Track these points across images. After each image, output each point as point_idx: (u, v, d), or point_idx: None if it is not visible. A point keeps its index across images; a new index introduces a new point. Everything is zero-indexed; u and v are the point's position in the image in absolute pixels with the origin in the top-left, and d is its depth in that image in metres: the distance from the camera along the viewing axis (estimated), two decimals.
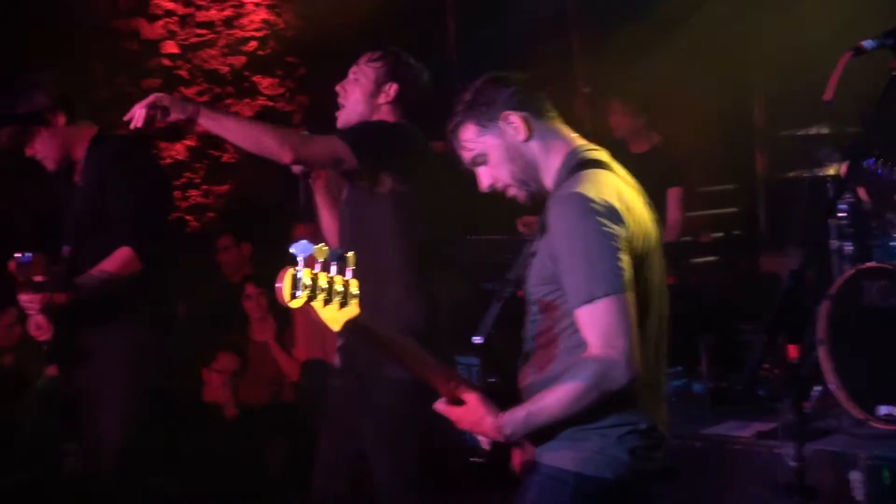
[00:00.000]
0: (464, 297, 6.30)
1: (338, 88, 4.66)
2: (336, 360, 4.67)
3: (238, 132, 4.33)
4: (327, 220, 4.72)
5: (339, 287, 2.78)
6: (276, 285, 2.69)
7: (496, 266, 6.14)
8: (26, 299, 4.88)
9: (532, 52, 8.70)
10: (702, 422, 5.82)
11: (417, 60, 4.72)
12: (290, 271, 2.69)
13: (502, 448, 3.24)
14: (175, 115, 4.22)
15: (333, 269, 2.78)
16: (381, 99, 4.58)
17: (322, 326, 2.87)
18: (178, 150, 9.24)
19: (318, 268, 2.74)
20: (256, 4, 9.59)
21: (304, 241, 2.71)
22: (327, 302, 2.77)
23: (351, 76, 4.65)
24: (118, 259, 4.91)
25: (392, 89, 4.58)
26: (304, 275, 2.69)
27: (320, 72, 9.46)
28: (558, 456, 3.16)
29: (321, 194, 4.71)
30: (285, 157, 4.25)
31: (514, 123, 3.27)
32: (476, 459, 3.29)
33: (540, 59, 8.57)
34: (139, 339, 5.03)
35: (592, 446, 3.13)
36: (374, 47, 4.69)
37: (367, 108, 4.58)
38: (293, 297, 2.69)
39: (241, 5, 9.53)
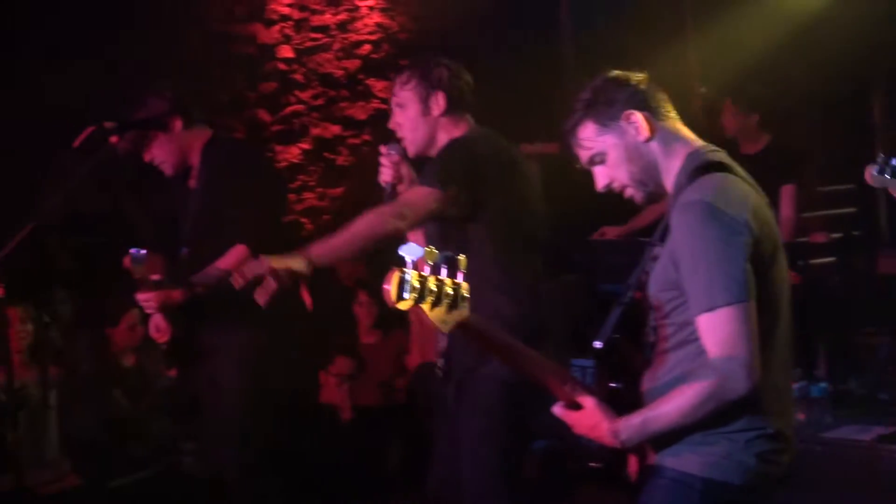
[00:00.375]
0: (579, 299, 6.29)
1: (391, 126, 4.61)
2: (439, 364, 4.64)
3: (352, 248, 4.33)
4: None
5: (448, 289, 2.77)
6: (384, 287, 2.68)
7: (613, 268, 6.12)
8: (144, 298, 4.95)
9: (647, 51, 8.64)
10: (821, 425, 5.74)
11: (438, 55, 4.64)
12: (398, 274, 2.68)
13: (619, 454, 3.21)
14: (292, 275, 4.15)
15: (444, 271, 2.77)
16: (435, 111, 4.52)
17: (431, 328, 2.87)
18: (293, 154, 9.32)
19: (427, 270, 2.73)
20: (370, 8, 9.65)
21: (412, 244, 2.71)
22: (436, 304, 2.75)
23: (395, 109, 4.59)
24: (233, 257, 4.95)
25: (440, 98, 4.51)
26: (412, 277, 2.69)
27: None
28: (684, 460, 3.12)
29: None
30: (399, 234, 4.25)
31: (636, 123, 3.23)
32: (594, 464, 3.26)
33: (655, 57, 8.51)
34: (256, 341, 5.06)
35: (720, 451, 3.09)
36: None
37: (428, 128, 4.53)
38: (400, 299, 2.69)
39: (356, 9, 9.60)
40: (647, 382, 3.22)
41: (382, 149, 4.55)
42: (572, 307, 5.68)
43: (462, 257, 2.79)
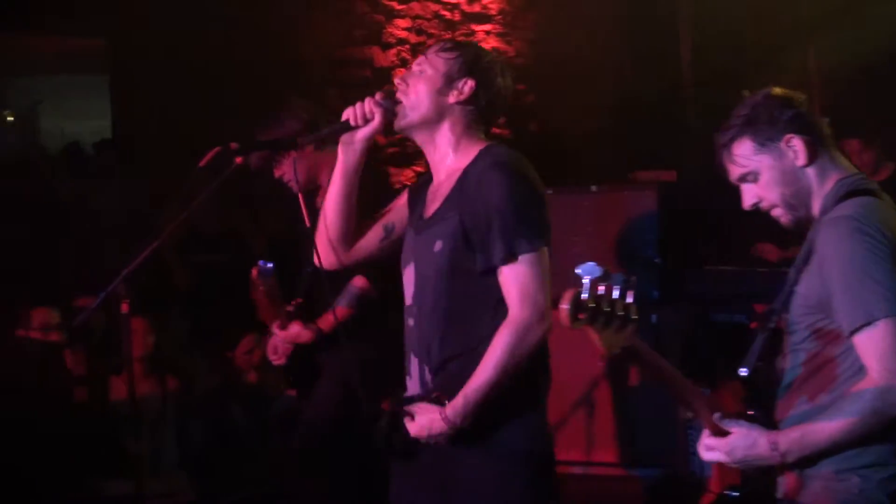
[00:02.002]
0: (693, 328, 6.26)
1: (397, 81, 3.91)
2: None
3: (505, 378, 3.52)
4: (336, 196, 4.09)
5: (619, 311, 2.74)
6: (562, 306, 2.66)
7: (727, 298, 6.07)
8: (278, 341, 5.06)
9: (767, 79, 8.58)
10: None
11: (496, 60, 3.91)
12: (575, 293, 2.65)
13: (761, 481, 3.15)
14: None
15: (616, 292, 2.73)
16: (452, 97, 3.79)
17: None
18: (406, 176, 9.39)
19: (602, 290, 2.69)
20: (487, 33, 9.70)
21: (591, 264, 2.67)
22: (606, 326, 2.73)
23: (415, 68, 3.87)
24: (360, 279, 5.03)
25: (467, 86, 3.78)
26: (589, 298, 2.67)
27: (549, 98, 9.52)
28: (817, 496, 3.06)
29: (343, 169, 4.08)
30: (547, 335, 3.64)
31: (796, 147, 3.16)
32: (732, 493, 3.21)
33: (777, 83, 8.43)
34: (361, 356, 5.09)
35: (852, 488, 3.02)
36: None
37: (433, 108, 3.81)
38: (575, 319, 2.67)
39: (472, 33, 9.65)
40: (782, 411, 3.16)
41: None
42: (686, 336, 5.64)
43: (634, 278, 2.76)
